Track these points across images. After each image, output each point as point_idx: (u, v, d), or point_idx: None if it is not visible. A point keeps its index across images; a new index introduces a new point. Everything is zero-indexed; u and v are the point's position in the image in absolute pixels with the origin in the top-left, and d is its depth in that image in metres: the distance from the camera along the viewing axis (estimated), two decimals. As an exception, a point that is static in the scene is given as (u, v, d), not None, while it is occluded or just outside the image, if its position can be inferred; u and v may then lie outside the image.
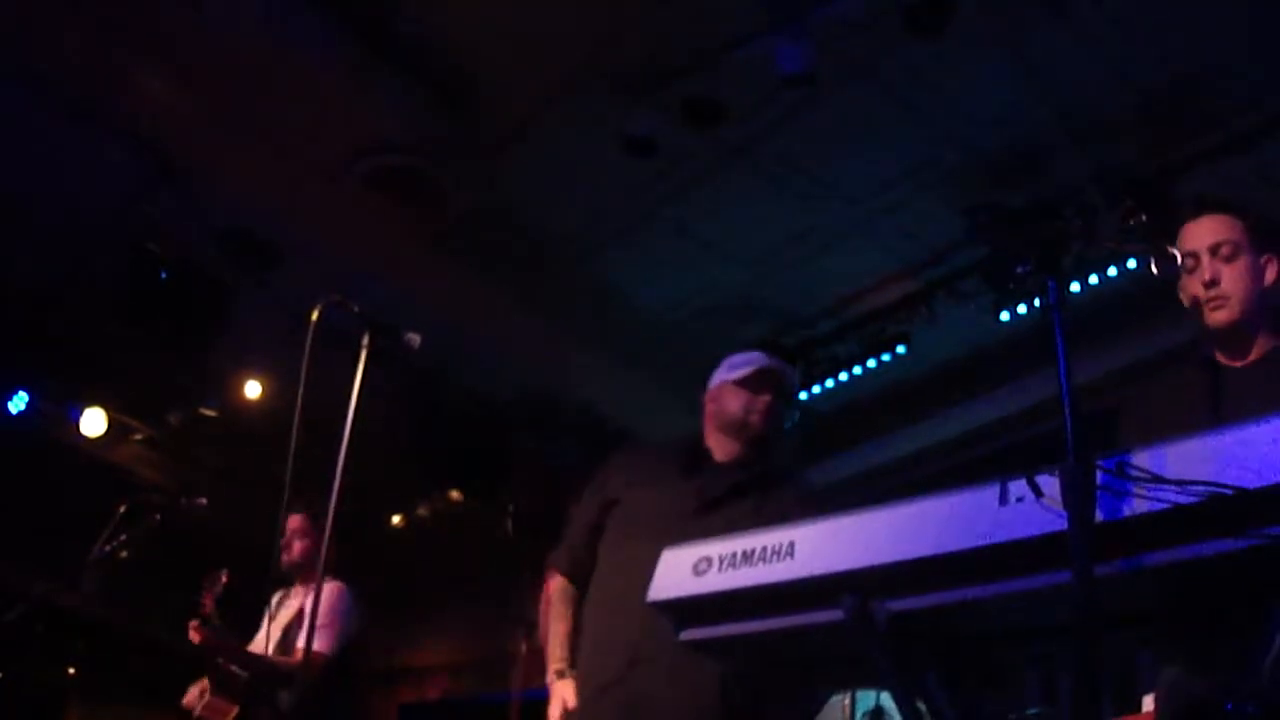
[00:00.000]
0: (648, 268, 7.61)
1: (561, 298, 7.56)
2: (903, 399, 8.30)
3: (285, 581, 5.73)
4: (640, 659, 3.40)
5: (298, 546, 5.58)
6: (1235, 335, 3.17)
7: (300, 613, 5.36)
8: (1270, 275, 3.22)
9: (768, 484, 3.66)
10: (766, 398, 3.74)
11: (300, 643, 5.12)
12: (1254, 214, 3.25)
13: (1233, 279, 3.15)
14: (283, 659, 5.22)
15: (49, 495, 8.76)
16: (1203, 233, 3.19)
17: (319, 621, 5.18)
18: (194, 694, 5.44)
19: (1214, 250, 3.17)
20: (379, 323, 3.64)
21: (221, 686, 5.26)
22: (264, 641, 5.36)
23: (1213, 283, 3.14)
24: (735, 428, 3.76)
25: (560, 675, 3.78)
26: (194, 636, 5.22)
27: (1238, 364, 3.17)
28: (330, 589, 5.37)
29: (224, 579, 5.68)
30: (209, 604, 5.53)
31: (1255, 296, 3.16)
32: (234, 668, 5.23)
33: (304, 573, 5.52)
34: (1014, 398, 7.62)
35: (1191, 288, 3.20)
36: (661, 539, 3.23)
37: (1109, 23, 5.65)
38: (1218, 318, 3.15)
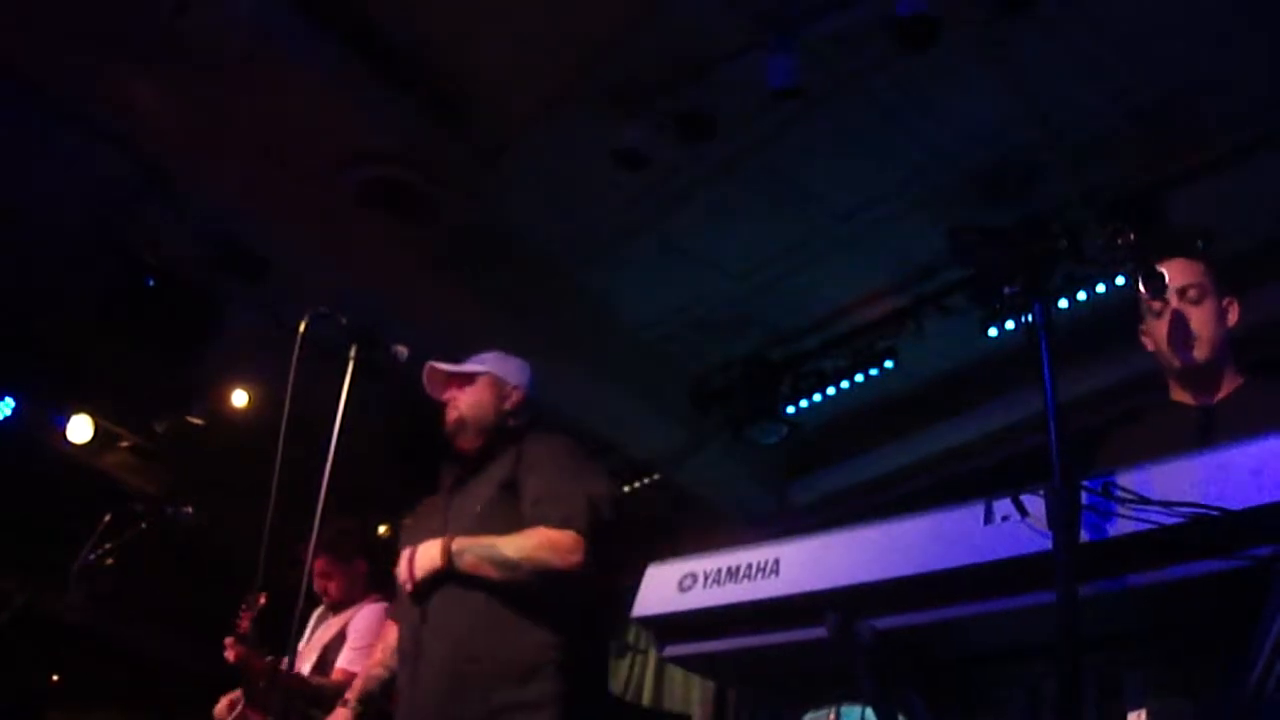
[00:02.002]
0: (637, 281, 7.60)
1: (549, 310, 7.54)
2: (890, 414, 8.29)
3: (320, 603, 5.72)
4: (417, 673, 3.52)
5: (332, 587, 5.57)
6: (1205, 375, 3.22)
7: (341, 634, 5.36)
8: (1233, 316, 3.29)
9: (494, 456, 3.80)
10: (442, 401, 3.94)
11: (339, 663, 5.14)
12: (1211, 257, 3.31)
13: (1201, 320, 3.21)
14: (317, 679, 5.20)
15: (34, 501, 8.73)
16: (1169, 276, 3.21)
17: (359, 643, 5.21)
18: (224, 705, 5.41)
19: (1181, 293, 3.22)
20: (366, 334, 3.66)
21: (255, 702, 5.25)
22: (298, 662, 5.35)
23: (1182, 325, 3.18)
24: None
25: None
26: (229, 654, 5.21)
27: (1204, 403, 3.21)
28: (375, 610, 5.36)
29: (262, 600, 5.67)
30: (246, 623, 5.53)
31: (1222, 338, 3.22)
32: (263, 684, 5.22)
33: (345, 605, 5.53)
34: (1002, 413, 7.61)
35: (1159, 330, 3.24)
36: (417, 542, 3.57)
37: (1098, 39, 5.67)
38: (1189, 359, 3.19)
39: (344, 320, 3.62)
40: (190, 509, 6.60)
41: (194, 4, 5.49)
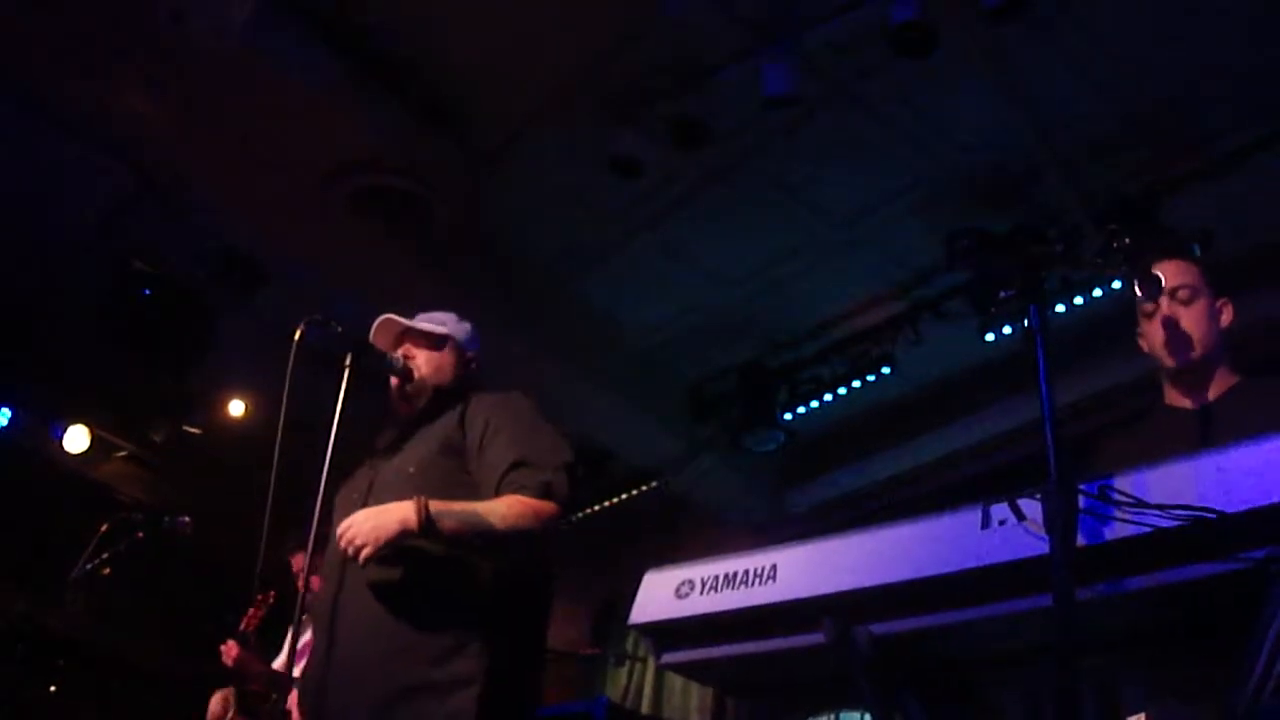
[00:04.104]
0: (632, 288, 7.60)
1: (546, 317, 7.54)
2: (888, 420, 8.29)
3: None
4: (333, 644, 3.29)
5: (317, 582, 5.56)
6: (1196, 376, 3.23)
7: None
8: (1226, 317, 3.29)
9: (433, 418, 3.62)
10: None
11: None
12: (1203, 259, 3.32)
13: (1193, 321, 3.22)
14: None
15: (30, 512, 8.71)
16: (1162, 278, 3.23)
17: None
18: (217, 701, 5.39)
19: (1173, 294, 3.24)
20: (362, 342, 3.63)
21: (247, 707, 5.24)
22: (285, 666, 5.35)
23: (1174, 325, 3.20)
24: None
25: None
26: (227, 655, 5.19)
27: (1198, 404, 3.22)
28: None
29: (272, 599, 5.66)
30: (252, 624, 5.51)
31: (1215, 338, 3.24)
32: (265, 690, 5.21)
33: None
34: (1000, 418, 7.61)
35: (1153, 332, 3.27)
36: (346, 505, 3.39)
37: (1094, 44, 5.67)
38: (1180, 360, 3.20)
39: (339, 328, 3.56)
40: (187, 519, 6.59)
41: (190, 13, 5.49)
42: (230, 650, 5.21)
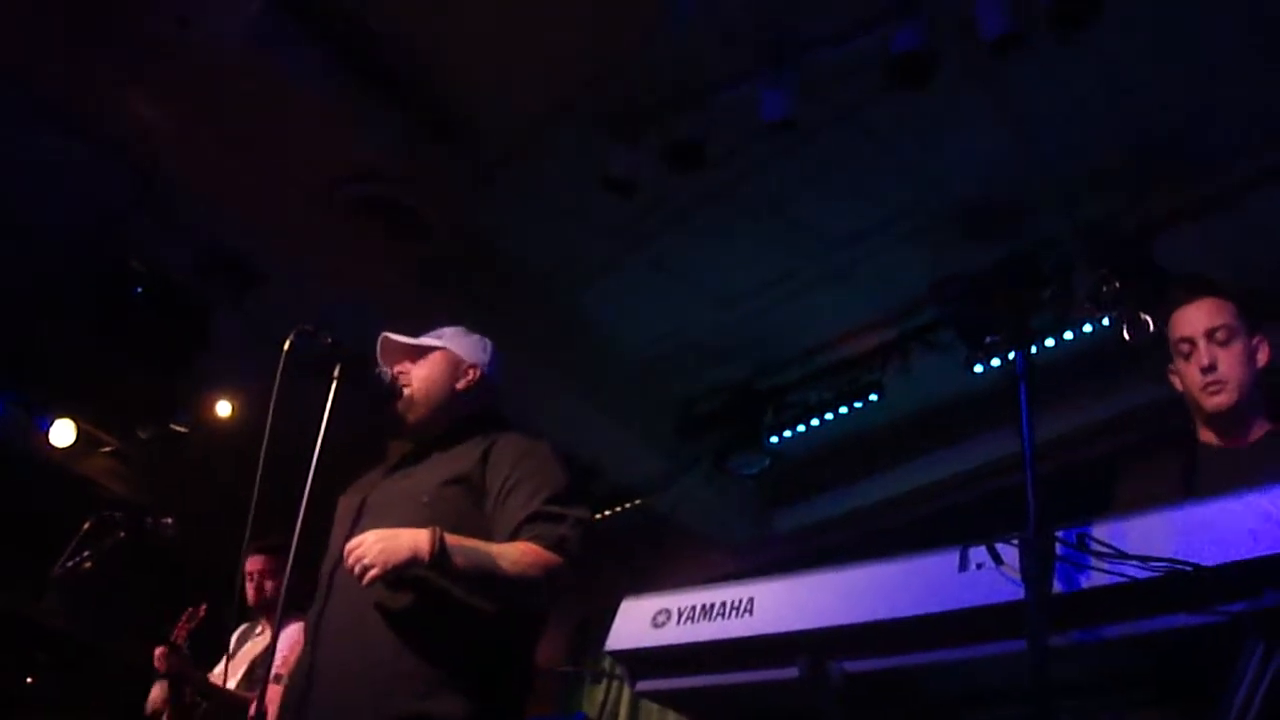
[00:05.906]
0: (624, 305, 7.60)
1: (538, 331, 7.53)
2: (874, 447, 8.30)
3: (248, 617, 5.70)
4: (315, 663, 3.25)
5: (269, 586, 5.54)
6: (1234, 419, 3.16)
7: (270, 647, 5.32)
8: (1262, 357, 3.22)
9: (450, 443, 3.59)
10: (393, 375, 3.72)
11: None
12: (1239, 294, 3.25)
13: (1230, 362, 3.14)
14: (245, 693, 5.17)
15: (13, 504, 8.69)
16: (1198, 317, 3.19)
17: (289, 655, 5.16)
18: (157, 693, 5.38)
19: (1210, 334, 3.16)
20: (352, 354, 3.61)
21: (181, 714, 5.22)
22: (223, 674, 5.32)
23: (1211, 367, 3.13)
24: None
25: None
26: (159, 663, 5.18)
27: (1233, 447, 3.16)
28: (301, 626, 5.32)
29: (202, 613, 5.65)
30: (182, 634, 5.50)
31: (1251, 379, 3.16)
32: (195, 697, 5.19)
33: (272, 611, 5.47)
34: (985, 449, 7.62)
35: (1189, 372, 3.19)
36: (344, 518, 3.46)
37: (1092, 77, 5.70)
38: (1218, 402, 3.13)
39: (329, 339, 3.54)
40: (170, 520, 6.56)
41: (194, 17, 5.50)
42: (160, 658, 5.21)
